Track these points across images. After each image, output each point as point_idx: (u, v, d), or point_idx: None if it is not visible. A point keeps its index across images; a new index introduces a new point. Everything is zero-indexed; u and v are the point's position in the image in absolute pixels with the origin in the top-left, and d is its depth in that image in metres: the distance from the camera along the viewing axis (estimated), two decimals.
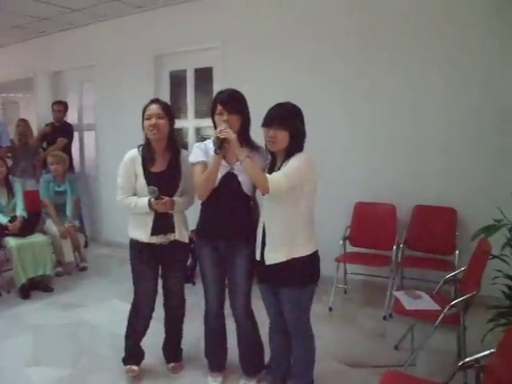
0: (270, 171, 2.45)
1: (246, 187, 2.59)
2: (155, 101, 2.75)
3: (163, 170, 2.76)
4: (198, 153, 2.63)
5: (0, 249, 4.55)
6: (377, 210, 4.34)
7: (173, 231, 2.80)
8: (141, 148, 2.79)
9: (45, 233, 4.96)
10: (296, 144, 2.42)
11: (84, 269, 5.29)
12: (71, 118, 6.52)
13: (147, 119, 2.68)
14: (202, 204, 2.71)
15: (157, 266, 2.90)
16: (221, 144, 2.43)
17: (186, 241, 2.86)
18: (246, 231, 2.64)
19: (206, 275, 2.77)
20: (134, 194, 2.77)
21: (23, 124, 6.37)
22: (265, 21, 4.88)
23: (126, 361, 2.99)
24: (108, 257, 5.93)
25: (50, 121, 6.44)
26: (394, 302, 3.14)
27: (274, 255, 2.45)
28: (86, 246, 5.88)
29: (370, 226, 4.32)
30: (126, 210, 2.80)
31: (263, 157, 2.61)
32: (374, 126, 4.43)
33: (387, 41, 4.28)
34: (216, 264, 2.73)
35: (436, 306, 2.88)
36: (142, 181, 2.73)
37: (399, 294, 3.09)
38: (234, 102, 2.54)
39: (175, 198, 2.74)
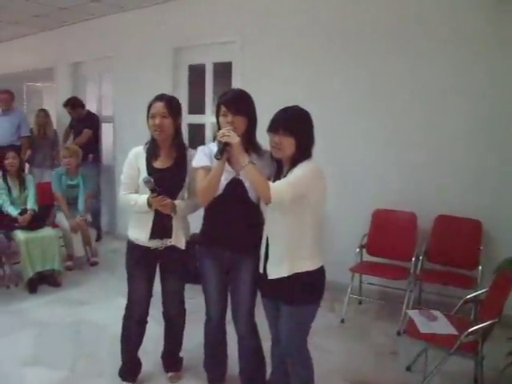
0: (276, 179, 2.28)
1: (252, 194, 2.42)
2: (160, 98, 2.58)
3: (168, 166, 2.62)
4: (202, 157, 2.46)
5: (9, 241, 4.50)
6: (396, 218, 4.11)
7: (169, 236, 2.64)
8: (147, 144, 2.66)
9: (56, 226, 4.92)
10: (303, 151, 2.24)
11: (95, 264, 5.22)
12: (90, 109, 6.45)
13: (152, 117, 2.54)
14: (206, 210, 2.56)
15: (152, 270, 2.76)
16: (223, 148, 2.25)
17: (183, 247, 2.70)
18: (252, 242, 2.46)
19: (208, 286, 2.62)
20: (137, 192, 2.63)
21: (43, 114, 6.37)
22: (286, 16, 4.68)
23: (123, 375, 2.88)
24: (121, 252, 5.78)
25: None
26: (407, 323, 2.93)
27: (276, 269, 2.29)
28: (99, 239, 5.82)
29: (388, 235, 4.09)
30: (127, 207, 2.67)
31: (270, 163, 2.42)
32: (396, 130, 4.19)
33: (416, 46, 4.05)
34: (218, 275, 2.58)
35: (453, 330, 2.67)
36: (144, 175, 2.57)
37: (414, 314, 2.88)
38: (238, 103, 2.37)
39: (177, 202, 2.58)
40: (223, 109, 2.36)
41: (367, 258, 4.15)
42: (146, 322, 2.84)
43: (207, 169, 2.39)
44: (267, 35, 4.80)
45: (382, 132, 4.25)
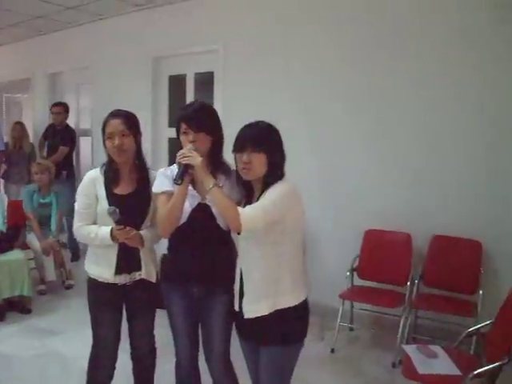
0: (247, 205, 2.01)
1: (222, 221, 2.12)
2: (116, 114, 2.27)
3: (130, 192, 2.31)
4: (163, 180, 2.16)
5: None
6: (390, 239, 3.83)
7: (138, 269, 2.34)
8: (104, 167, 2.34)
9: (27, 248, 4.61)
10: (275, 170, 2.01)
11: (70, 287, 4.87)
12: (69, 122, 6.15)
13: (109, 138, 2.23)
14: (170, 241, 2.26)
15: (119, 309, 2.44)
16: (183, 171, 1.98)
17: (153, 280, 2.39)
18: (223, 275, 2.18)
19: (176, 326, 2.31)
20: (95, 222, 2.32)
21: (18, 127, 6.08)
22: (269, 24, 4.42)
23: None
24: None
25: (48, 123, 6.12)
26: (404, 360, 2.64)
27: (253, 307, 2.01)
28: (76, 259, 5.49)
29: (381, 257, 3.80)
30: (85, 240, 2.35)
31: (236, 188, 2.15)
32: (388, 146, 3.92)
33: (405, 45, 3.80)
34: (187, 313, 2.28)
35: (456, 371, 2.38)
36: (104, 204, 2.27)
37: (411, 351, 2.59)
38: (201, 118, 2.08)
39: (143, 232, 2.28)
40: (184, 126, 2.08)
41: (359, 282, 3.86)
42: (114, 368, 2.51)
43: (169, 194, 2.10)
44: (250, 43, 4.55)
45: (376, 147, 3.97)
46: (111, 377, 2.52)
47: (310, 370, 3.17)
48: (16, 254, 4.25)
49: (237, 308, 2.10)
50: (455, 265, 3.56)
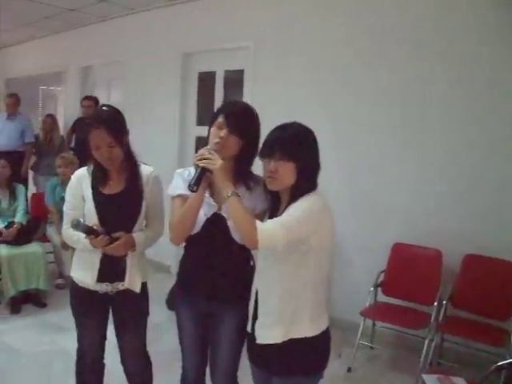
0: (272, 217, 1.79)
1: (236, 235, 1.91)
2: (97, 121, 2.05)
3: (119, 191, 2.15)
4: (179, 183, 1.98)
5: None
6: (419, 254, 3.56)
7: (122, 279, 2.17)
8: (91, 167, 2.18)
9: (47, 240, 4.58)
10: (306, 181, 1.76)
11: None
12: None
13: (96, 149, 2.05)
14: (185, 248, 2.09)
15: (103, 317, 2.29)
16: (200, 176, 1.76)
17: (138, 290, 2.20)
18: (237, 292, 2.00)
19: (183, 338, 2.16)
20: None
21: (49, 120, 6.12)
22: (302, 21, 4.22)
23: None
24: None
25: (78, 116, 6.13)
26: None
27: (266, 333, 1.81)
28: None
29: (408, 274, 3.54)
30: (71, 243, 2.21)
31: (264, 198, 1.94)
32: (424, 157, 3.65)
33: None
34: (196, 325, 2.11)
35: None
36: (90, 205, 2.12)
37: (429, 380, 2.35)
38: (241, 119, 1.89)
39: (136, 235, 2.12)
40: (220, 119, 1.88)
41: (382, 298, 3.62)
42: (103, 365, 2.40)
43: (185, 198, 1.91)
44: (282, 41, 4.36)
45: (411, 158, 3.71)
46: (100, 374, 2.40)
47: None
48: (34, 247, 4.21)
49: (249, 329, 1.91)
50: (488, 287, 3.27)
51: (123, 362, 2.34)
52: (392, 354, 3.66)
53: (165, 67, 5.34)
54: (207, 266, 1.99)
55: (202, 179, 1.77)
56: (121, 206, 2.13)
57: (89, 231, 1.99)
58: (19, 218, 4.31)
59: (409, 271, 3.55)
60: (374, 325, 3.71)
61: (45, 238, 4.66)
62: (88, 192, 2.14)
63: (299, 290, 1.76)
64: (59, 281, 4.65)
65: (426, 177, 3.64)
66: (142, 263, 2.26)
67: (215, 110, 1.96)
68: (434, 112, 3.57)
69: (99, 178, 2.14)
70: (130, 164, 2.17)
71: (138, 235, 2.13)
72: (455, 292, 3.37)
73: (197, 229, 1.94)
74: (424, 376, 2.48)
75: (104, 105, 2.28)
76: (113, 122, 2.06)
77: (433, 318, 3.26)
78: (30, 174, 6.32)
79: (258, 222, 1.68)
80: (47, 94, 8.23)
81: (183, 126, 5.28)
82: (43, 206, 4.70)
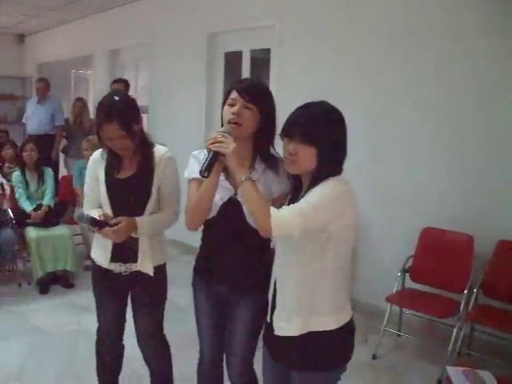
0: (292, 202, 1.68)
1: (252, 220, 1.82)
2: (107, 115, 1.97)
3: (130, 175, 2.12)
4: (194, 166, 1.89)
5: (20, 238, 4.24)
6: (449, 240, 3.40)
7: (134, 260, 2.15)
8: (105, 151, 2.16)
9: (75, 223, 4.64)
10: (328, 167, 1.62)
11: None
12: None
13: (109, 140, 2.01)
14: (203, 231, 2.03)
15: (122, 297, 2.30)
16: (212, 161, 1.68)
17: (150, 273, 2.17)
18: (255, 277, 1.94)
19: (201, 322, 2.12)
20: (100, 206, 2.18)
21: (80, 103, 6.16)
22: None
23: None
24: None
25: None
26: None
27: (284, 325, 1.71)
28: None
29: (438, 260, 3.39)
30: None
31: (282, 180, 1.85)
32: (454, 139, 3.46)
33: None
34: (212, 310, 2.07)
35: None
36: (102, 189, 2.13)
37: (454, 375, 2.24)
38: (255, 92, 1.79)
39: (139, 219, 2.08)
40: (234, 95, 1.78)
41: (410, 284, 3.50)
42: (122, 347, 2.42)
43: (200, 181, 1.83)
44: (308, 19, 4.20)
45: (440, 139, 3.53)
46: (119, 354, 2.42)
47: (345, 377, 2.90)
48: (61, 230, 4.29)
49: (268, 319, 1.83)
50: None
51: (139, 344, 2.34)
52: (419, 342, 3.54)
53: (191, 48, 5.29)
54: (223, 251, 1.95)
55: (215, 164, 1.70)
56: (131, 190, 2.10)
57: (93, 223, 2.00)
58: (47, 200, 4.39)
59: (438, 257, 3.41)
60: (401, 311, 3.59)
61: (73, 221, 4.72)
62: (101, 176, 2.14)
63: (317, 279, 1.66)
64: (87, 262, 4.69)
65: (457, 160, 3.46)
66: (158, 246, 2.22)
67: (227, 89, 1.87)
68: (468, 92, 3.39)
69: (112, 162, 2.12)
70: (144, 148, 2.14)
71: (140, 218, 2.09)
72: (487, 280, 3.21)
73: (213, 213, 1.88)
74: (448, 368, 2.37)
75: (115, 94, 2.19)
76: (125, 115, 1.99)
77: (462, 306, 3.12)
78: (61, 156, 6.41)
79: (272, 209, 1.58)
80: (79, 78, 8.32)
81: (210, 108, 5.22)
82: (72, 189, 4.75)
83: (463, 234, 3.34)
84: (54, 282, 4.26)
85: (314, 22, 4.17)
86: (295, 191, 1.75)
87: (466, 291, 3.15)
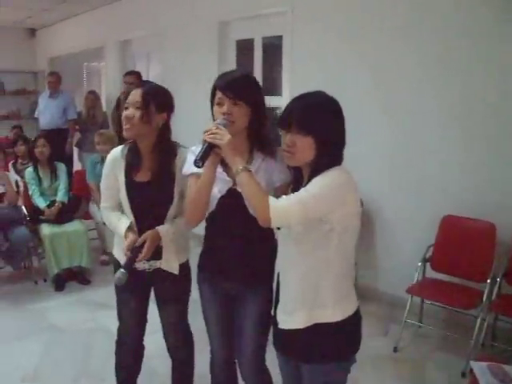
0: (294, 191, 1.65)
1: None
2: (142, 84, 2.03)
3: (149, 178, 2.06)
4: (193, 161, 1.86)
5: (35, 235, 4.23)
6: (471, 228, 3.29)
7: (158, 258, 2.11)
8: (125, 149, 2.11)
9: (89, 218, 4.64)
10: (326, 157, 1.58)
11: None
12: None
13: (125, 108, 1.98)
14: (206, 228, 1.99)
15: (144, 295, 2.27)
16: (206, 152, 1.65)
17: (176, 272, 2.14)
18: (260, 271, 1.91)
19: (209, 320, 2.09)
20: (118, 206, 2.16)
21: (92, 96, 6.13)
22: None
23: None
24: None
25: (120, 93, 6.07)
26: (470, 381, 2.22)
27: (287, 317, 1.69)
28: None
29: (459, 248, 3.29)
30: (108, 226, 2.22)
31: (283, 169, 1.80)
32: (474, 122, 3.32)
33: None
34: (219, 306, 2.04)
35: None
36: (123, 193, 2.09)
37: (479, 370, 2.14)
38: (239, 87, 1.75)
39: (162, 229, 2.03)
40: (218, 94, 1.76)
41: (431, 274, 3.39)
42: (142, 348, 2.39)
43: (199, 176, 1.79)
44: (321, 5, 4.06)
45: (461, 123, 3.39)
46: (138, 357, 2.39)
47: (366, 371, 2.84)
48: (75, 225, 4.26)
49: (272, 312, 1.81)
50: None
51: (164, 336, 2.33)
52: (441, 333, 3.45)
53: (202, 37, 5.19)
54: (225, 246, 1.91)
55: (209, 155, 1.67)
56: (153, 194, 2.04)
57: (129, 267, 1.99)
58: (60, 196, 4.37)
59: (460, 245, 3.30)
60: (422, 302, 3.49)
61: (88, 216, 4.72)
62: (121, 178, 2.08)
63: (321, 271, 1.63)
64: (103, 257, 4.70)
65: (476, 147, 3.33)
66: (181, 243, 2.18)
67: (212, 87, 1.82)
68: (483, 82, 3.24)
69: (131, 164, 2.06)
70: (163, 148, 2.06)
71: (165, 229, 2.04)
72: (510, 268, 3.11)
73: (212, 207, 1.85)
74: (472, 363, 2.27)
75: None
76: (153, 91, 1.98)
77: (485, 295, 3.02)
78: (75, 150, 6.40)
79: (271, 199, 1.55)
80: (91, 70, 8.27)
81: None
82: (86, 184, 4.72)
83: (485, 221, 3.23)
84: (70, 278, 4.25)
85: (326, 8, 4.03)
86: (296, 184, 1.70)
87: (488, 280, 3.04)
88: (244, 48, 4.99)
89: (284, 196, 1.57)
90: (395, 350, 3.21)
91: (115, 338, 2.37)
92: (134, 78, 5.67)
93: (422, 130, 3.57)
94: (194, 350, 2.41)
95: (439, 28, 3.39)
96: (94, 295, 4.04)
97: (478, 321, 3.01)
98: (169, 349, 2.37)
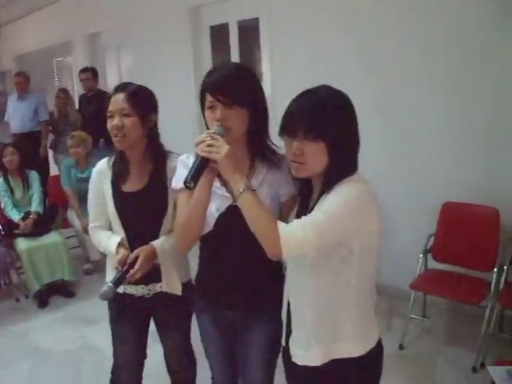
0: (302, 208, 1.44)
1: None
2: (122, 88, 1.80)
3: (140, 188, 1.85)
4: (183, 174, 1.51)
5: (10, 250, 3.97)
6: (473, 214, 3.11)
7: (157, 280, 1.90)
8: (112, 158, 1.91)
9: (69, 226, 4.39)
10: (341, 163, 1.36)
11: None
12: (109, 86, 5.78)
13: (110, 117, 1.77)
14: (201, 249, 1.73)
15: (143, 325, 2.05)
16: (199, 168, 1.38)
17: (178, 293, 1.92)
18: (266, 297, 1.65)
19: (209, 347, 1.85)
20: (108, 224, 1.94)
21: (62, 95, 5.77)
22: None
23: None
24: None
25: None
26: None
27: (302, 352, 1.47)
28: None
29: (462, 236, 3.11)
30: (97, 246, 2.00)
31: (290, 181, 1.54)
32: (473, 106, 3.13)
33: None
34: (220, 336, 1.80)
35: None
36: (110, 205, 1.88)
37: (497, 375, 1.96)
38: (232, 88, 1.44)
39: (157, 244, 1.82)
40: (209, 98, 1.47)
41: (433, 265, 3.22)
42: (140, 377, 2.16)
43: (192, 192, 1.50)
44: None
45: (457, 106, 3.20)
46: None
47: None
48: (53, 237, 4.01)
49: (284, 343, 1.58)
50: None
51: (165, 358, 2.16)
52: (447, 326, 3.29)
53: (174, 24, 4.92)
54: (224, 271, 1.65)
55: (204, 171, 1.39)
56: (143, 206, 1.84)
57: (118, 284, 1.75)
58: (35, 206, 4.10)
59: (462, 233, 3.12)
60: (425, 295, 3.33)
61: (67, 224, 4.46)
62: (108, 190, 1.88)
63: (340, 302, 1.41)
64: (86, 266, 4.47)
65: (475, 128, 3.14)
66: (181, 263, 1.97)
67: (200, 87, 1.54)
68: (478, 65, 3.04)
69: (119, 173, 1.86)
70: (154, 154, 1.86)
71: (159, 246, 1.83)
72: None
73: (209, 227, 1.57)
74: (489, 368, 2.10)
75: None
76: (136, 92, 1.79)
77: (493, 285, 2.85)
78: (50, 153, 6.10)
79: (281, 226, 1.30)
80: (61, 66, 7.92)
81: (199, 85, 4.86)
82: (62, 190, 4.45)
83: (487, 206, 3.05)
84: (54, 292, 4.01)
85: None
86: (305, 196, 1.48)
87: (495, 269, 2.88)
88: (219, 33, 4.73)
89: (295, 220, 1.34)
90: (401, 347, 3.05)
91: (105, 355, 2.19)
92: (88, 74, 5.45)
93: (419, 116, 3.37)
94: (196, 372, 2.21)
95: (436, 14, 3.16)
96: (79, 309, 3.82)
97: (487, 312, 2.84)
98: (169, 370, 2.19)
